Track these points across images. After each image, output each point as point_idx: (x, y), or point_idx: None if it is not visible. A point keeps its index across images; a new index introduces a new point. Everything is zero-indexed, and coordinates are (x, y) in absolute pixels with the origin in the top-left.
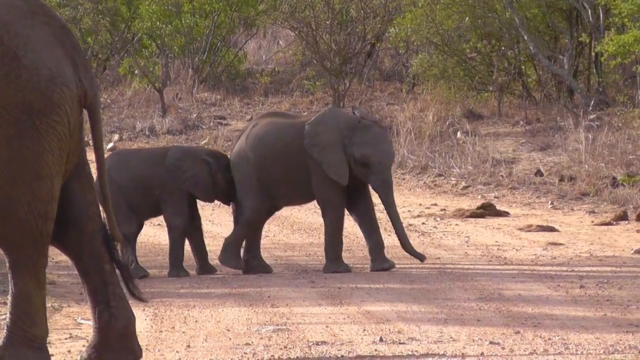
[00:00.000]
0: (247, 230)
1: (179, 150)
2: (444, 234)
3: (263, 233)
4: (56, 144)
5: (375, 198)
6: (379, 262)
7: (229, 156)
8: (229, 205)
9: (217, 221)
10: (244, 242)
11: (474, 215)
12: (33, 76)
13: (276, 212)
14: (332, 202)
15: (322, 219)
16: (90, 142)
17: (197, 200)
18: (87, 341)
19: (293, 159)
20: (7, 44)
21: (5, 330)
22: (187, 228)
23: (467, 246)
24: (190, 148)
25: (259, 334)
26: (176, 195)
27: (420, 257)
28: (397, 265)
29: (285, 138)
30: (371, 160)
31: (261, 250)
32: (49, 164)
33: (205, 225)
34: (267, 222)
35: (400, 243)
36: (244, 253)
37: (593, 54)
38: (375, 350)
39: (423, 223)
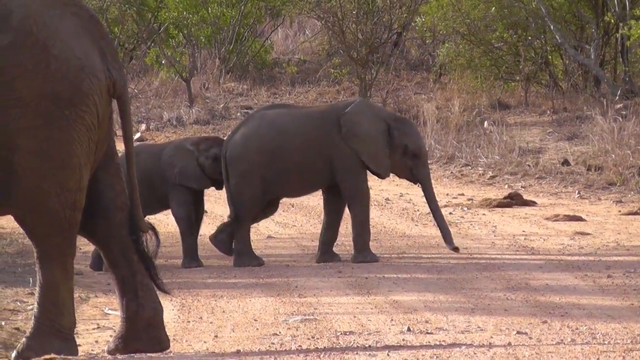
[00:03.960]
0: (248, 222)
1: (172, 148)
2: (471, 224)
3: (290, 222)
4: (85, 134)
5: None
6: (329, 255)
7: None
8: (221, 189)
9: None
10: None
11: (501, 205)
12: (62, 66)
13: (304, 202)
14: (360, 191)
15: (348, 209)
16: (119, 132)
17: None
18: (114, 331)
19: (312, 149)
20: (36, 35)
21: (33, 321)
22: (193, 217)
23: (494, 236)
24: (180, 142)
25: (286, 324)
26: (177, 188)
27: (456, 249)
28: (424, 255)
29: (305, 127)
30: (423, 151)
31: (289, 240)
32: (77, 154)
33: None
34: (295, 212)
35: (442, 235)
36: (234, 243)
37: (619, 43)
38: (403, 340)
39: (450, 213)
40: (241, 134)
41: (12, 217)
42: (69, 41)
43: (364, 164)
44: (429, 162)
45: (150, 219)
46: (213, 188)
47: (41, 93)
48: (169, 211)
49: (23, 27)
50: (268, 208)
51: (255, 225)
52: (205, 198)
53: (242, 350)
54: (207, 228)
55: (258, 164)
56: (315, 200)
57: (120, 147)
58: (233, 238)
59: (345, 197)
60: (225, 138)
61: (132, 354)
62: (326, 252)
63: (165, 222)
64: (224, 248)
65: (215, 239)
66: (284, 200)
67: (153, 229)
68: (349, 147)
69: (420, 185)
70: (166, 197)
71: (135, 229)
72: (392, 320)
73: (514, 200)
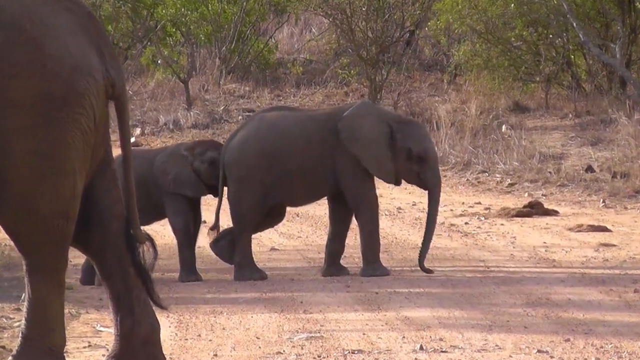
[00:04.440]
0: (249, 231)
1: (165, 154)
2: (488, 235)
3: (295, 233)
4: (80, 137)
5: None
6: (336, 268)
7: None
8: (217, 196)
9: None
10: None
11: (520, 214)
12: (57, 65)
13: (309, 211)
14: (366, 199)
15: (355, 218)
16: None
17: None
18: (107, 350)
19: (314, 154)
20: (29, 32)
21: (20, 338)
22: (191, 228)
23: (513, 247)
24: (174, 147)
25: (290, 342)
26: (172, 196)
27: (428, 272)
28: (438, 268)
29: (307, 131)
30: (430, 155)
31: (294, 252)
32: (72, 159)
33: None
34: (300, 222)
35: (420, 251)
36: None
37: None
38: (415, 359)
39: (466, 223)
40: (239, 138)
41: None
42: (64, 39)
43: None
44: (443, 168)
45: (146, 229)
46: (211, 196)
47: (35, 93)
48: (166, 221)
49: (16, 23)
50: (273, 217)
51: (257, 236)
52: (204, 207)
53: None
54: (206, 240)
55: (257, 168)
56: (321, 209)
57: (116, 152)
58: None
59: (350, 206)
60: (223, 142)
61: None
62: (333, 264)
63: (161, 232)
64: (225, 256)
65: (215, 246)
66: (289, 210)
67: (150, 240)
68: (351, 152)
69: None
70: (161, 206)
71: (132, 239)
72: (403, 337)
73: (534, 209)
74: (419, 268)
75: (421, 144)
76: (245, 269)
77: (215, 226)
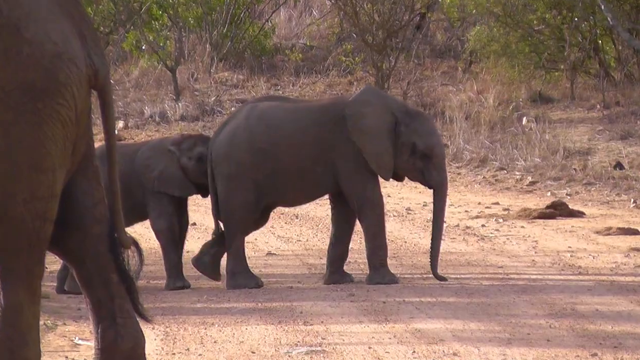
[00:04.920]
0: (242, 234)
1: (148, 148)
2: (507, 239)
3: (294, 236)
4: (60, 131)
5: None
6: (339, 275)
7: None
8: (207, 196)
9: None
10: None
11: (543, 216)
12: (36, 52)
13: (310, 212)
14: (370, 199)
15: (359, 220)
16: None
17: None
18: None
19: (311, 148)
20: (6, 15)
21: None
22: (176, 230)
23: (535, 253)
24: (158, 142)
25: (289, 356)
26: (156, 195)
27: (442, 279)
28: (452, 275)
29: (303, 123)
30: (436, 152)
31: (292, 257)
32: (51, 155)
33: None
34: (300, 224)
35: (430, 257)
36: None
37: None
38: None
39: (483, 225)
40: (227, 131)
41: None
42: (44, 23)
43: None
44: (457, 165)
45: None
46: (199, 196)
47: (11, 83)
48: (148, 224)
49: None
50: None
51: (252, 239)
52: (194, 208)
53: None
54: (196, 243)
55: (248, 165)
56: (323, 210)
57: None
58: (218, 259)
59: (352, 207)
60: (211, 136)
61: None
62: (336, 271)
63: (146, 236)
64: (209, 272)
65: (197, 262)
66: (287, 211)
67: (136, 244)
68: (353, 146)
69: (433, 192)
70: (143, 207)
71: (116, 244)
72: (414, 352)
73: (557, 210)
74: (431, 275)
75: (427, 139)
76: (239, 276)
77: (217, 231)
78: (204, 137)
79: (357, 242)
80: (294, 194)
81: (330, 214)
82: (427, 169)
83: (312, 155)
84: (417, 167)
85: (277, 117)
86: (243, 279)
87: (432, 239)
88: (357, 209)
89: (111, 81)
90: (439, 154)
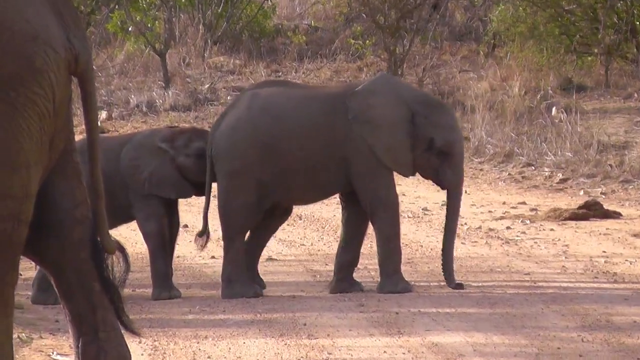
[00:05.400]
0: (241, 238)
1: (133, 146)
2: (535, 242)
3: (297, 240)
4: (36, 123)
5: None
6: (347, 283)
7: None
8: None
9: None
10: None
11: (574, 217)
12: (6, 34)
13: (315, 213)
14: (384, 199)
15: (371, 222)
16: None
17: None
18: None
19: (320, 142)
20: None
21: None
22: (166, 233)
23: (565, 258)
24: (147, 137)
25: None
26: (144, 196)
27: (459, 287)
28: (473, 283)
29: (311, 113)
30: (455, 150)
31: (295, 263)
32: (25, 150)
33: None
34: (303, 226)
35: (443, 264)
36: None
37: None
38: None
39: (508, 227)
40: (228, 122)
41: None
42: (18, 3)
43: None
44: (479, 160)
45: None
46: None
47: None
48: (135, 226)
49: None
50: (276, 216)
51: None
52: (185, 208)
53: None
54: (187, 247)
55: (252, 161)
56: (329, 210)
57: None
58: (245, 273)
59: (364, 207)
60: (208, 129)
61: None
62: (344, 279)
63: (132, 239)
64: (251, 293)
65: (230, 293)
66: None
67: (121, 249)
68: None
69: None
70: (127, 208)
71: (99, 249)
72: None
73: (591, 210)
74: None
75: (447, 134)
76: (236, 284)
77: (204, 232)
78: (198, 130)
79: (368, 246)
80: (303, 192)
81: (337, 214)
82: (443, 167)
83: (322, 150)
84: (432, 164)
85: (282, 107)
86: (240, 287)
87: (443, 244)
88: (369, 209)
89: (93, 67)
90: (459, 153)
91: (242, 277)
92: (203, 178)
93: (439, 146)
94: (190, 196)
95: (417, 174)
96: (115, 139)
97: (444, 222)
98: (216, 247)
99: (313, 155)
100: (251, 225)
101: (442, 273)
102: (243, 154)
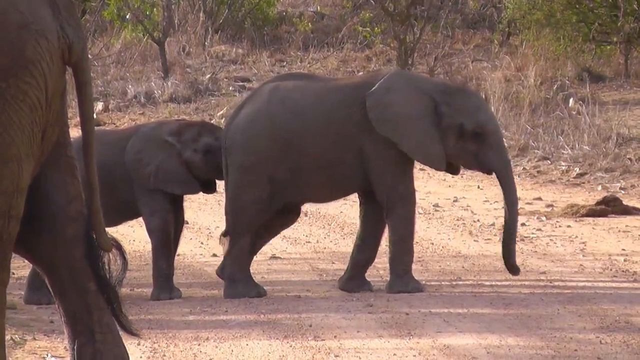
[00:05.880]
0: (249, 236)
1: (139, 138)
2: (551, 240)
3: (302, 237)
4: (28, 115)
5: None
6: (357, 282)
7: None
8: (212, 192)
9: None
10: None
11: (593, 213)
12: None
13: (321, 210)
14: (402, 195)
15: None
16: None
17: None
18: None
19: (338, 136)
20: None
21: None
22: (171, 230)
23: (583, 256)
24: (152, 130)
25: None
26: (149, 192)
27: (516, 271)
28: (486, 282)
29: (327, 107)
30: (489, 129)
31: (300, 261)
32: (16, 143)
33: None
34: (309, 223)
35: (503, 250)
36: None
37: None
38: None
39: (523, 224)
40: (245, 115)
41: None
42: None
43: (407, 157)
44: None
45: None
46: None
47: None
48: (134, 223)
49: None
50: (284, 214)
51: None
52: (186, 204)
53: None
54: (188, 245)
55: (267, 155)
56: (336, 207)
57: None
58: (249, 273)
59: (381, 202)
60: (218, 123)
61: None
62: (356, 276)
63: (130, 236)
64: (254, 293)
65: (232, 293)
66: None
67: (118, 247)
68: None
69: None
70: (129, 205)
71: (94, 247)
72: None
73: (610, 206)
74: (461, 282)
75: (476, 116)
76: (239, 284)
77: (228, 232)
78: (207, 125)
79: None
80: (321, 190)
81: (344, 211)
82: (483, 150)
83: (339, 144)
84: (470, 150)
85: (303, 102)
86: (243, 287)
87: (504, 231)
88: (386, 205)
89: (89, 56)
90: (494, 131)
91: (245, 277)
92: (210, 175)
93: (470, 130)
94: (197, 193)
95: (462, 168)
96: (118, 133)
97: (505, 207)
98: (217, 244)
99: (331, 152)
100: (259, 223)
101: (503, 257)
102: (259, 148)
